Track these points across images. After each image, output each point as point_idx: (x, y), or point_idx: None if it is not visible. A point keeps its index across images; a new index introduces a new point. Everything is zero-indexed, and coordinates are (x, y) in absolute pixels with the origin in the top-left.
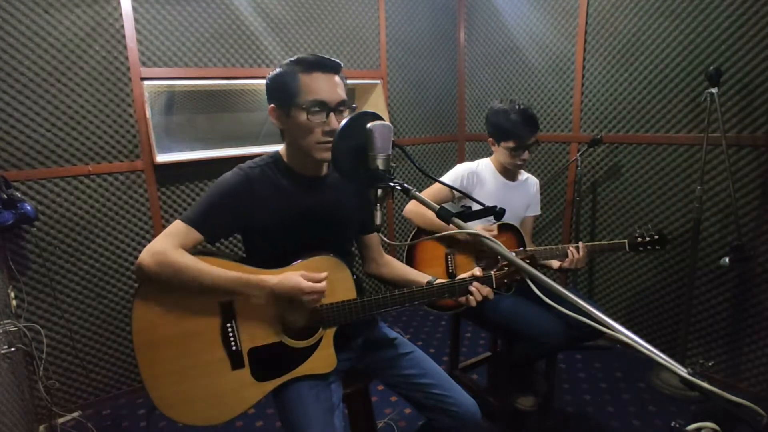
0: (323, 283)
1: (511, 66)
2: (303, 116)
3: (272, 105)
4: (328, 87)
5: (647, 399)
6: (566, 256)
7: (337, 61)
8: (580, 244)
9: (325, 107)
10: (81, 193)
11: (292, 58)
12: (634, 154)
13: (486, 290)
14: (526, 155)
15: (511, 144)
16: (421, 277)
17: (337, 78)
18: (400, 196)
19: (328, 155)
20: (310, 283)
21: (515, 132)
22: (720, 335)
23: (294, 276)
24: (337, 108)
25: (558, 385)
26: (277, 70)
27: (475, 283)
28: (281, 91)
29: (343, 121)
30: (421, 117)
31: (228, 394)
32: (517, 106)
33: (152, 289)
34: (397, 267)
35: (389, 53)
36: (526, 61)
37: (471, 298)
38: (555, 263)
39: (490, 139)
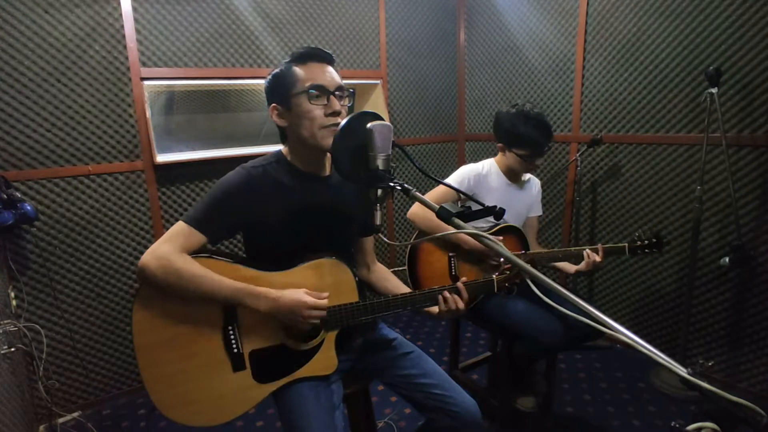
0: (324, 301)
1: (511, 66)
2: (304, 102)
3: (273, 104)
4: (323, 73)
5: (647, 399)
6: (579, 258)
7: (329, 52)
8: (599, 246)
9: (324, 91)
10: (81, 193)
11: (286, 59)
12: (634, 154)
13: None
14: (539, 162)
15: (525, 152)
16: (400, 290)
17: (330, 68)
18: (400, 197)
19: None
20: (313, 299)
21: (531, 141)
22: (720, 335)
23: (298, 290)
24: (336, 92)
25: (558, 385)
26: (274, 71)
27: (448, 294)
28: (279, 88)
29: (343, 121)
30: (421, 117)
31: (228, 395)
32: (531, 113)
33: (153, 290)
34: (381, 276)
35: (389, 53)
36: (526, 61)
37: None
38: (571, 267)
39: (500, 144)
